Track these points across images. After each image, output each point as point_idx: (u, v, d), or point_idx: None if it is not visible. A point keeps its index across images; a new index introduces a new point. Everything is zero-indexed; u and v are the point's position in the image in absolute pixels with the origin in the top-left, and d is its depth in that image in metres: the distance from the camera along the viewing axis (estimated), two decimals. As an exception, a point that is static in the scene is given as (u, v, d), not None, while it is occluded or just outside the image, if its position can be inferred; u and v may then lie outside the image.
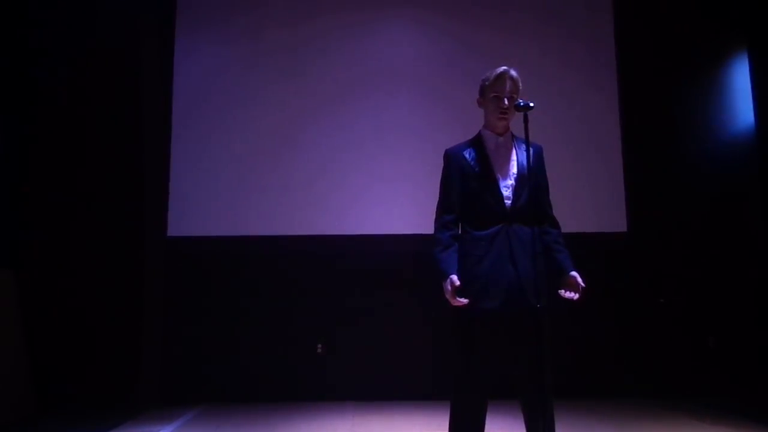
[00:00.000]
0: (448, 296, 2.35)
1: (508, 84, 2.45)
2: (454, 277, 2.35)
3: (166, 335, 4.90)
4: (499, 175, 2.46)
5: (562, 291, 2.36)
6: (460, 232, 2.51)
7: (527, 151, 2.38)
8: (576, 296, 2.35)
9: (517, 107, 2.37)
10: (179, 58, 5.25)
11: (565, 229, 2.55)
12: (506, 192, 2.44)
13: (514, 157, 2.50)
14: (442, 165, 2.57)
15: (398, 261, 5.05)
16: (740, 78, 5.26)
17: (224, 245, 5.05)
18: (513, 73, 2.47)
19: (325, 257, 5.09)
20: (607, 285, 4.95)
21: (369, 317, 5.01)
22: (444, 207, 2.52)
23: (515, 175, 2.46)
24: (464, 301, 2.34)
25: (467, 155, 2.51)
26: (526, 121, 2.34)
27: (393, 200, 5.09)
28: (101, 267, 4.72)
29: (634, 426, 3.93)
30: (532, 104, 2.33)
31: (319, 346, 5.01)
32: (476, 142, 2.55)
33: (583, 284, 2.36)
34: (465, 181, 2.48)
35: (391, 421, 4.21)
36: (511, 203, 2.43)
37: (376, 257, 5.07)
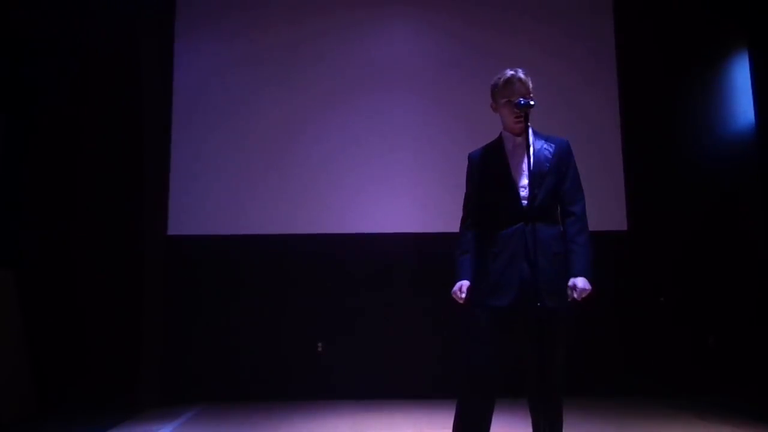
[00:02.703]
0: (454, 296, 2.45)
1: (518, 87, 2.43)
2: (465, 283, 2.43)
3: (166, 334, 4.90)
4: (515, 175, 2.45)
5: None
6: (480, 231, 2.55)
7: (550, 147, 2.41)
8: (571, 298, 2.35)
9: (518, 106, 2.35)
10: (179, 57, 5.25)
11: (565, 228, 2.55)
12: (523, 191, 2.42)
13: (532, 155, 2.47)
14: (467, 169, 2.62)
15: (399, 259, 5.06)
16: (740, 76, 5.25)
17: (224, 244, 5.05)
18: (521, 75, 2.45)
19: (326, 256, 5.09)
20: (607, 284, 4.94)
21: (369, 316, 5.02)
22: (467, 210, 2.57)
23: (530, 174, 2.41)
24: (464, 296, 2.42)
25: (486, 157, 2.53)
26: (526, 119, 2.34)
27: (393, 199, 5.10)
28: (101, 266, 4.72)
29: (633, 424, 3.93)
30: (532, 102, 2.33)
31: (320, 344, 5.01)
32: (496, 144, 2.55)
33: (577, 292, 2.32)
34: (483, 183, 2.51)
35: (391, 419, 4.21)
36: (528, 202, 2.40)
37: (377, 256, 5.08)
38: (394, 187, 5.12)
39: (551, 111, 4.91)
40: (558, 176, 2.45)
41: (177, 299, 4.98)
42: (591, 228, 2.53)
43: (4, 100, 4.61)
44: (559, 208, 2.47)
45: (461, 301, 2.41)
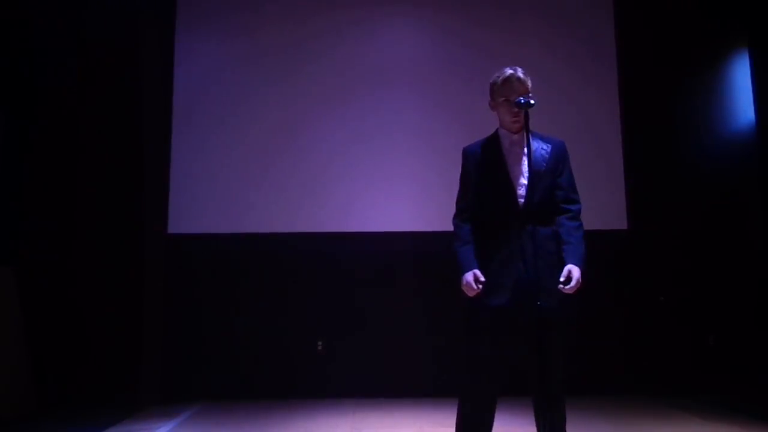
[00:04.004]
0: (465, 288, 2.39)
1: (517, 86, 2.44)
2: (478, 272, 2.38)
3: (166, 332, 4.90)
4: (512, 174, 2.45)
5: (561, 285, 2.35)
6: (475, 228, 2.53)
7: (547, 147, 2.41)
8: (566, 288, 2.32)
9: (518, 105, 2.36)
10: (179, 56, 5.25)
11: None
12: (520, 190, 2.43)
13: (530, 155, 2.48)
14: (461, 163, 2.59)
15: (399, 258, 5.06)
16: (741, 76, 5.26)
17: (224, 243, 5.05)
18: (520, 74, 2.45)
19: (326, 255, 5.09)
20: (607, 283, 4.96)
21: (369, 314, 5.01)
22: (462, 203, 2.56)
23: (528, 174, 2.42)
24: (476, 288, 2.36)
25: (482, 153, 2.52)
26: (527, 118, 2.35)
27: (393, 198, 5.09)
28: (101, 264, 4.72)
29: (633, 423, 3.93)
30: (533, 101, 2.33)
31: (320, 343, 5.01)
32: (492, 141, 2.55)
33: (572, 277, 2.32)
34: (479, 179, 2.49)
35: (390, 418, 4.21)
36: (525, 201, 2.41)
37: (377, 255, 5.08)
38: (394, 186, 5.11)
39: (551, 111, 4.91)
40: (554, 177, 2.46)
41: (177, 298, 4.98)
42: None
43: (3, 98, 4.61)
44: (554, 207, 2.46)
45: (474, 293, 2.36)
